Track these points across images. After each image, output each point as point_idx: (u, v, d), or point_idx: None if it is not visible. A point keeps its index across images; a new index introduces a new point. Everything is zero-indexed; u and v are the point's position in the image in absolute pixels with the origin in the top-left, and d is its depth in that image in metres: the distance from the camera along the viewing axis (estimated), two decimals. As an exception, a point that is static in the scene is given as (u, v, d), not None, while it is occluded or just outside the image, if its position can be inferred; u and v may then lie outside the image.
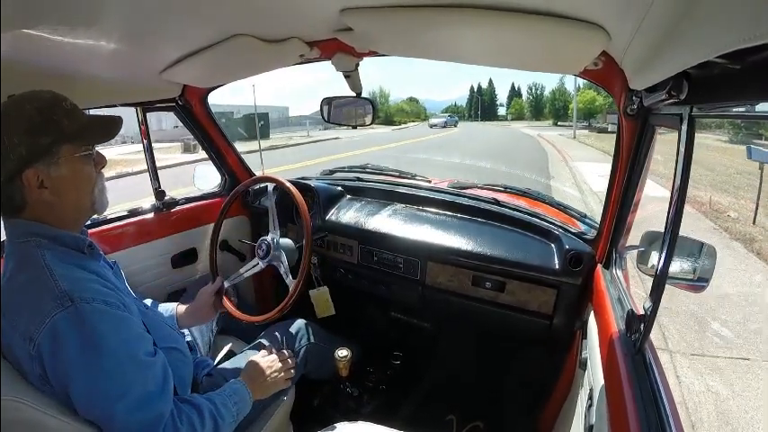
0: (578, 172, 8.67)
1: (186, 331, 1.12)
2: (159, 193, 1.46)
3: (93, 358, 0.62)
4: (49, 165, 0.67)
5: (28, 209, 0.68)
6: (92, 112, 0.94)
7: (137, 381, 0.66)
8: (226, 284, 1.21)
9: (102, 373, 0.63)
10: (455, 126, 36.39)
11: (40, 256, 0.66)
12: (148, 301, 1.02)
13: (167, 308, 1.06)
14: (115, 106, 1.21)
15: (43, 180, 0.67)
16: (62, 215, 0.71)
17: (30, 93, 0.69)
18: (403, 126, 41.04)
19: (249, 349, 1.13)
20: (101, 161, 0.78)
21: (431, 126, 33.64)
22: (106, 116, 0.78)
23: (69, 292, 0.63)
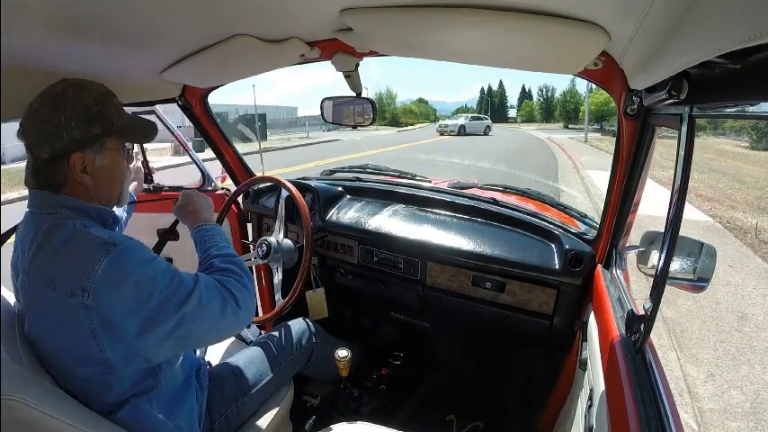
0: (592, 183, 7.38)
1: None
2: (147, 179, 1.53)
3: (150, 270, 0.67)
4: (96, 153, 0.73)
5: (66, 188, 0.71)
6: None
7: (189, 283, 0.72)
8: None
9: (164, 280, 0.68)
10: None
11: (71, 224, 0.69)
12: None
13: None
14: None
15: (87, 165, 0.72)
16: (93, 197, 0.75)
17: (85, 81, 0.73)
18: (409, 128, 36.73)
19: (248, 349, 1.12)
20: (130, 159, 0.86)
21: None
22: (144, 119, 0.85)
23: (110, 239, 0.67)
